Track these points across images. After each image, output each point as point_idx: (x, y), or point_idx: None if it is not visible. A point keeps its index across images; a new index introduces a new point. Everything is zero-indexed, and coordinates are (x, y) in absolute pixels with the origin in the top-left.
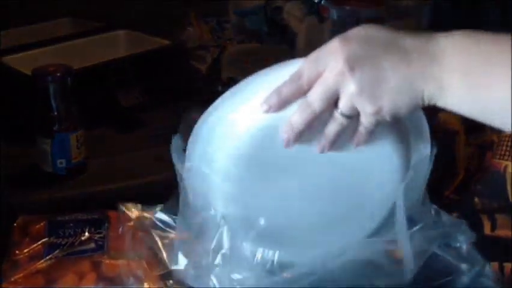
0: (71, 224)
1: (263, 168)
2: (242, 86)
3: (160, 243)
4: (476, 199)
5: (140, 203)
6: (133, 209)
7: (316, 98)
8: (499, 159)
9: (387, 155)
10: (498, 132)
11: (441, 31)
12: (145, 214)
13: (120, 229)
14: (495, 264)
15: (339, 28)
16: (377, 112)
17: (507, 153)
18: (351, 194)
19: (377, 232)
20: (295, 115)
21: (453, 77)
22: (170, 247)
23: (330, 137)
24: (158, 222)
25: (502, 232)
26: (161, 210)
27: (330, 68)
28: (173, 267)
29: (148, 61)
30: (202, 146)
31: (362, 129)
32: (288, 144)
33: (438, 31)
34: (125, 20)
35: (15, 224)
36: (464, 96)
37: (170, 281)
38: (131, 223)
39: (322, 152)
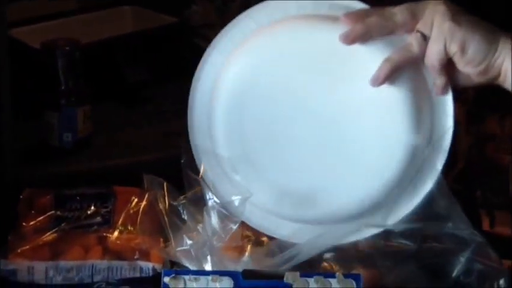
0: (78, 198)
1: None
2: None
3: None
4: (478, 192)
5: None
6: (157, 185)
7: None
8: (503, 153)
9: (398, 116)
10: (500, 124)
11: None
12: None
13: (134, 200)
14: None
15: None
16: (461, 51)
17: None
18: (353, 150)
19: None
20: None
21: None
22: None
23: (396, 60)
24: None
25: (500, 229)
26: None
27: (430, 11)
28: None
29: (155, 38)
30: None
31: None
32: (347, 38)
33: None
34: None
35: (21, 197)
36: None
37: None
38: (146, 198)
39: (376, 81)
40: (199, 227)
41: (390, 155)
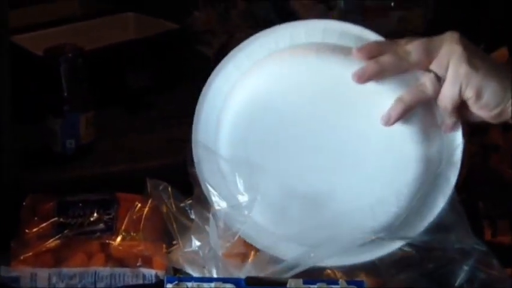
0: (80, 205)
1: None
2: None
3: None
4: (480, 203)
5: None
6: (161, 189)
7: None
8: (506, 164)
9: (408, 159)
10: (503, 135)
11: (445, 21)
12: (172, 199)
13: (137, 206)
14: None
15: (345, 17)
16: (477, 96)
17: None
18: (363, 177)
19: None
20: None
21: None
22: (186, 233)
23: (409, 100)
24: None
25: (502, 238)
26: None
27: (446, 51)
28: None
29: (157, 44)
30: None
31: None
32: (360, 78)
33: (443, 21)
34: (133, 2)
35: (24, 203)
36: None
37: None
38: (149, 205)
39: (388, 121)
40: (207, 227)
41: (397, 191)
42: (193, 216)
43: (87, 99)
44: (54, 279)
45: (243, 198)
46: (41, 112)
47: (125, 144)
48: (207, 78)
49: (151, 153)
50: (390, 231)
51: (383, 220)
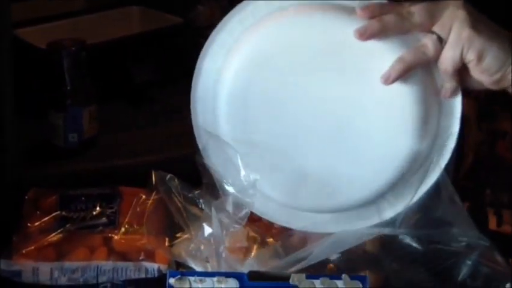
0: (83, 199)
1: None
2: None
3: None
4: (487, 190)
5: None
6: (167, 180)
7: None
8: None
9: (406, 115)
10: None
11: None
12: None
13: (140, 200)
14: None
15: None
16: (478, 59)
17: None
18: (358, 143)
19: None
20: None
21: None
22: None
23: (409, 60)
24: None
25: (507, 228)
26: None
27: (449, 15)
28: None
29: (161, 38)
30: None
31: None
32: (362, 35)
33: None
34: None
35: (26, 197)
36: None
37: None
38: (152, 198)
39: (387, 79)
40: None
41: (394, 154)
42: (202, 206)
43: (90, 94)
44: (56, 273)
45: (246, 178)
46: (43, 106)
47: (128, 138)
48: None
49: (154, 148)
50: (382, 197)
51: (377, 185)
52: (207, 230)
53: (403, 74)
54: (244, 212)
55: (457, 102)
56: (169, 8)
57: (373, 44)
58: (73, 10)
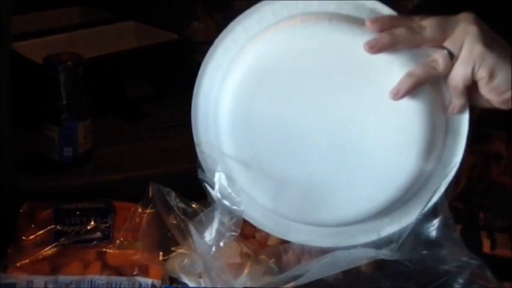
0: (78, 213)
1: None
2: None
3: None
4: (481, 214)
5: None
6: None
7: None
8: (508, 175)
9: (412, 131)
10: (506, 145)
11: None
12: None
13: (135, 214)
14: None
15: None
16: (489, 77)
17: None
18: (362, 157)
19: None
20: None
21: None
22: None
23: (419, 76)
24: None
25: (501, 252)
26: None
27: (461, 30)
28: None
29: (156, 54)
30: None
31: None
32: (372, 48)
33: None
34: (133, 11)
35: (21, 210)
36: None
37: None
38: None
39: (396, 95)
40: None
41: (397, 171)
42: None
43: (85, 108)
44: (50, 287)
45: (230, 185)
46: (39, 120)
47: (122, 153)
48: None
49: (148, 163)
50: (383, 214)
51: (383, 200)
52: (209, 237)
53: (412, 89)
54: (235, 219)
55: (464, 120)
56: (164, 24)
57: (382, 58)
58: (69, 25)
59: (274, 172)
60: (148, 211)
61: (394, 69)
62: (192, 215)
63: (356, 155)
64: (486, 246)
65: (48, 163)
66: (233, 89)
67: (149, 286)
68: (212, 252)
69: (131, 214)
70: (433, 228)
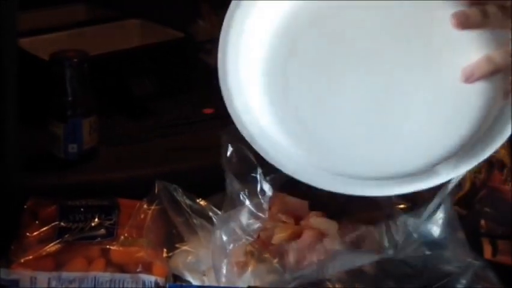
0: (82, 210)
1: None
2: None
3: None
4: (482, 221)
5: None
6: (171, 190)
7: None
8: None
9: (461, 119)
10: (510, 153)
11: None
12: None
13: (139, 211)
14: None
15: None
16: None
17: None
18: (401, 123)
19: None
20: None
21: None
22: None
23: (499, 63)
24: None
25: (502, 258)
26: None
27: None
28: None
29: (162, 52)
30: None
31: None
32: (460, 24)
33: None
34: (138, 9)
35: (25, 206)
36: None
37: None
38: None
39: (469, 78)
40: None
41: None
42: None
43: (90, 105)
44: (53, 283)
45: (261, 193)
46: (44, 116)
47: (127, 151)
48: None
49: (153, 161)
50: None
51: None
52: (215, 241)
53: (489, 76)
54: (257, 225)
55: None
56: (169, 22)
57: (460, 32)
58: (75, 22)
59: (318, 131)
60: (153, 207)
61: (471, 48)
62: (199, 212)
63: (394, 122)
64: (487, 253)
65: (53, 160)
66: (267, 44)
67: (153, 283)
68: (228, 250)
69: (136, 210)
70: (437, 228)
